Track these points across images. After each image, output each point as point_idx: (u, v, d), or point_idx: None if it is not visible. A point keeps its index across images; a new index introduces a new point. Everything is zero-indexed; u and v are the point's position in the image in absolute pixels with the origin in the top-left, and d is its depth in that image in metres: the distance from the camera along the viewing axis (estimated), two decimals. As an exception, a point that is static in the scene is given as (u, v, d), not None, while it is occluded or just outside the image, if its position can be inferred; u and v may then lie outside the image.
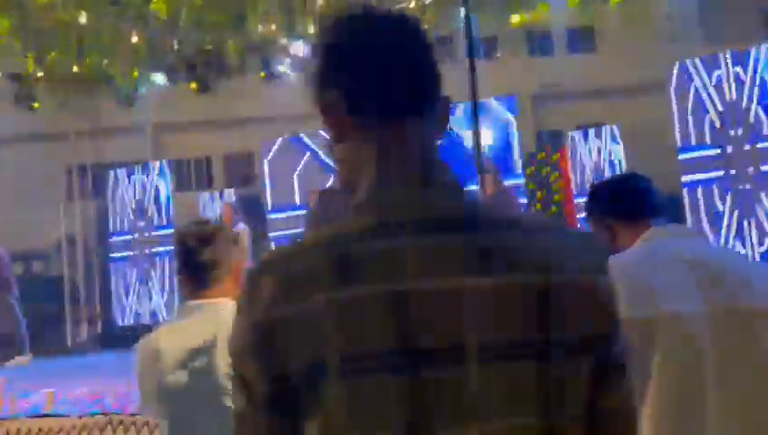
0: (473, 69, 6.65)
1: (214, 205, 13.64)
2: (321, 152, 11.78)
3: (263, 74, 10.25)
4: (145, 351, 2.46)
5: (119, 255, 13.45)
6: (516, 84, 15.94)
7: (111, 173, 13.73)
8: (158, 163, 13.46)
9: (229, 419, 1.05)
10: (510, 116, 11.17)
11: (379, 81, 1.08)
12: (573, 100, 18.77)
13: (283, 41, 10.31)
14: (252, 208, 13.72)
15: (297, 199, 12.13)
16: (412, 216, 1.01)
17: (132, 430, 5.35)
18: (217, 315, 2.36)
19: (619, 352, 1.01)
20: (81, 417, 5.65)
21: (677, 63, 8.38)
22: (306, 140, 12.02)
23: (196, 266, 2.46)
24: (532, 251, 1.00)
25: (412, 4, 9.66)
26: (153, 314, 12.91)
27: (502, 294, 0.97)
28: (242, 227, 10.07)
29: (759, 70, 7.92)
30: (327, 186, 9.93)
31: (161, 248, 13.15)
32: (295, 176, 12.43)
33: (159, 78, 11.87)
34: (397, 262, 0.98)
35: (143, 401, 2.50)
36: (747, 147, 7.89)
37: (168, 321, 2.50)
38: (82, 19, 8.61)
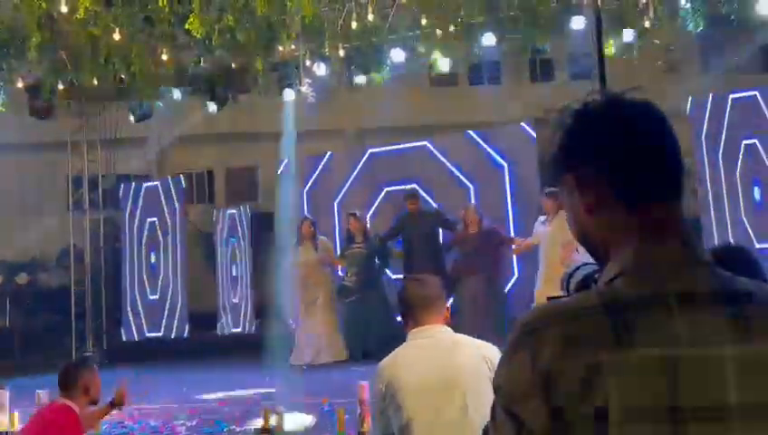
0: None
1: (225, 219, 13.59)
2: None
3: (298, 90, 10.29)
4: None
5: (128, 268, 13.40)
6: (519, 110, 16.10)
7: (122, 186, 13.69)
8: (169, 177, 13.46)
9: None
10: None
11: (650, 168, 1.26)
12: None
13: (308, 62, 10.38)
14: (258, 223, 13.74)
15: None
16: (676, 288, 1.16)
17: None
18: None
19: None
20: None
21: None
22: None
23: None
24: None
25: (438, 32, 9.78)
26: (159, 329, 12.83)
27: (763, 360, 1.12)
28: (323, 238, 10.78)
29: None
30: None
31: (171, 261, 13.11)
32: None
33: (177, 93, 11.90)
34: (667, 330, 1.13)
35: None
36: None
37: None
38: (116, 36, 8.62)
